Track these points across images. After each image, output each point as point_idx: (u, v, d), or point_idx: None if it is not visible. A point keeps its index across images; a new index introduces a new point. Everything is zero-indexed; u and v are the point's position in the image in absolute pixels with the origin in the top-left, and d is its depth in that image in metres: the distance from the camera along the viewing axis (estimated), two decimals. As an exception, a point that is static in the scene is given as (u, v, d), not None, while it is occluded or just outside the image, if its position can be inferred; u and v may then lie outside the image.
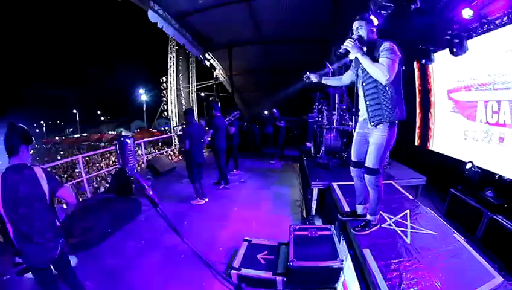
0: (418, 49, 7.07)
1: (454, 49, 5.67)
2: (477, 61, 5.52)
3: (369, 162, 3.19)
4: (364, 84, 3.17)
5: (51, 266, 2.62)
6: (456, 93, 6.27)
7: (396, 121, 3.05)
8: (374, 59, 2.94)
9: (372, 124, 3.09)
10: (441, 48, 6.47)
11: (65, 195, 2.65)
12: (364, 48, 3.10)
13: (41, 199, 2.46)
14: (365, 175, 3.27)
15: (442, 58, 6.62)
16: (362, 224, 3.38)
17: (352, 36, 3.12)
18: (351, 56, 3.23)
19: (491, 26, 5.17)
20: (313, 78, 3.82)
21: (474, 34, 5.49)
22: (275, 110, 10.55)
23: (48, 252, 2.52)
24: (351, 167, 3.55)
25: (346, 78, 3.61)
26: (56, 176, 2.69)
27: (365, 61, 2.96)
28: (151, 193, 1.90)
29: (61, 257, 2.63)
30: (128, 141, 1.99)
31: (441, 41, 6.22)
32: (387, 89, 2.97)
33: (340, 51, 3.19)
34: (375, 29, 3.13)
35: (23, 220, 2.38)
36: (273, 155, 10.74)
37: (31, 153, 2.62)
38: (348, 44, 3.02)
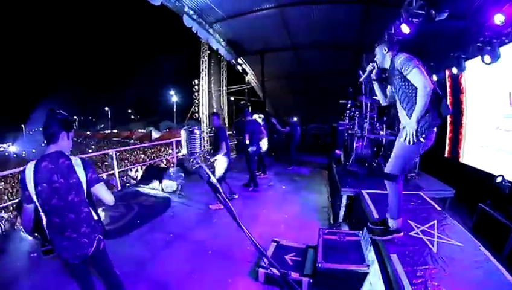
0: (449, 57, 7.01)
1: (486, 57, 5.61)
2: (511, 69, 5.44)
3: (388, 166, 3.30)
4: (400, 100, 3.21)
5: (85, 262, 2.46)
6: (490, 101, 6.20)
7: (434, 129, 3.06)
8: (396, 75, 3.07)
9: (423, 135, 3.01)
10: (472, 55, 6.34)
11: (100, 192, 2.43)
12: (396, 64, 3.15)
13: (77, 191, 2.29)
14: (385, 180, 3.35)
15: (474, 66, 6.54)
16: (381, 229, 3.47)
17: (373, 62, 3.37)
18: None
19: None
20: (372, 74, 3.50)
21: (507, 40, 5.39)
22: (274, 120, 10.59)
23: (81, 248, 2.34)
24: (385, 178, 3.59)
25: (389, 96, 3.58)
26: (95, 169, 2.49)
27: (419, 110, 2.90)
28: (215, 181, 2.01)
29: (96, 253, 2.44)
30: (196, 131, 2.12)
31: (473, 49, 6.15)
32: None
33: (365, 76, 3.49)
34: (386, 48, 3.24)
35: (56, 211, 2.25)
36: (290, 161, 10.76)
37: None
38: (409, 134, 3.00)
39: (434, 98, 2.94)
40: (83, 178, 2.31)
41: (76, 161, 2.32)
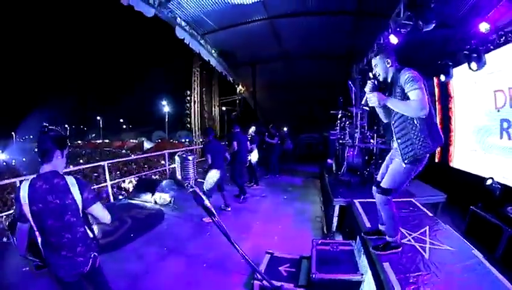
0: (437, 65, 7.15)
1: (473, 64, 5.75)
2: (497, 74, 5.60)
3: (384, 182, 3.22)
4: (393, 121, 3.13)
5: (81, 280, 2.42)
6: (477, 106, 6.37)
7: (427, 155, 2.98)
8: (397, 92, 2.91)
9: (406, 161, 2.98)
10: (459, 62, 6.54)
11: (97, 212, 2.39)
12: (389, 78, 3.07)
13: (72, 211, 2.24)
14: (377, 194, 3.31)
15: (461, 73, 6.71)
16: (382, 245, 3.41)
17: (370, 79, 3.14)
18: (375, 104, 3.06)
19: (509, 38, 5.26)
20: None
21: (492, 47, 5.58)
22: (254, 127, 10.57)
23: (77, 267, 2.32)
24: (373, 187, 3.57)
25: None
26: (92, 189, 2.45)
27: (397, 106, 2.89)
28: (209, 204, 2.02)
29: (92, 271, 2.42)
30: (190, 157, 2.16)
31: (459, 56, 6.30)
32: (415, 122, 2.88)
33: (363, 104, 3.22)
34: (390, 60, 3.04)
35: (53, 232, 2.21)
36: (276, 170, 10.93)
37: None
38: (372, 101, 3.00)
39: (429, 127, 2.90)
40: (78, 198, 2.26)
41: (71, 181, 2.26)
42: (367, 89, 3.12)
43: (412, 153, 2.93)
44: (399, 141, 3.04)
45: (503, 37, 5.37)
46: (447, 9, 6.11)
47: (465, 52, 5.92)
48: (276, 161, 10.93)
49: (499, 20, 5.43)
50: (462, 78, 6.83)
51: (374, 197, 3.59)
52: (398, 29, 5.69)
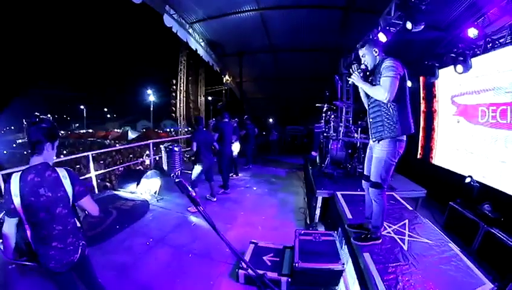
0: (424, 65, 7.30)
1: (459, 67, 5.89)
2: (481, 78, 5.71)
3: (372, 176, 3.34)
4: (369, 103, 3.35)
5: (72, 270, 2.42)
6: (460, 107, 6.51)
7: (404, 138, 3.17)
8: (378, 78, 3.09)
9: (374, 139, 3.28)
10: (445, 64, 6.68)
11: (87, 205, 2.42)
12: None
13: (64, 204, 2.25)
14: (369, 188, 3.40)
15: (447, 74, 6.85)
16: (363, 236, 3.51)
17: (360, 67, 3.33)
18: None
19: (496, 45, 5.38)
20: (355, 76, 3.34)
21: (479, 52, 5.70)
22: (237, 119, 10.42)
23: (68, 256, 2.32)
24: (362, 181, 3.68)
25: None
26: (83, 182, 2.40)
27: (366, 88, 3.21)
28: (194, 194, 2.04)
29: (82, 261, 2.43)
30: (176, 149, 2.19)
31: (446, 58, 6.43)
32: (389, 106, 3.09)
33: (350, 83, 3.45)
34: (377, 50, 3.25)
35: (44, 224, 2.19)
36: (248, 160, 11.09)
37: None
38: (353, 78, 3.28)
39: (400, 115, 3.10)
40: (69, 191, 2.26)
41: (63, 173, 2.25)
42: (354, 76, 3.31)
43: (380, 134, 3.20)
44: (371, 120, 3.33)
45: (491, 44, 5.52)
46: (438, 13, 6.20)
47: (452, 54, 6.06)
48: (251, 151, 11.05)
49: (487, 26, 5.57)
50: (448, 79, 6.97)
51: (364, 191, 3.70)
52: (387, 27, 5.75)
